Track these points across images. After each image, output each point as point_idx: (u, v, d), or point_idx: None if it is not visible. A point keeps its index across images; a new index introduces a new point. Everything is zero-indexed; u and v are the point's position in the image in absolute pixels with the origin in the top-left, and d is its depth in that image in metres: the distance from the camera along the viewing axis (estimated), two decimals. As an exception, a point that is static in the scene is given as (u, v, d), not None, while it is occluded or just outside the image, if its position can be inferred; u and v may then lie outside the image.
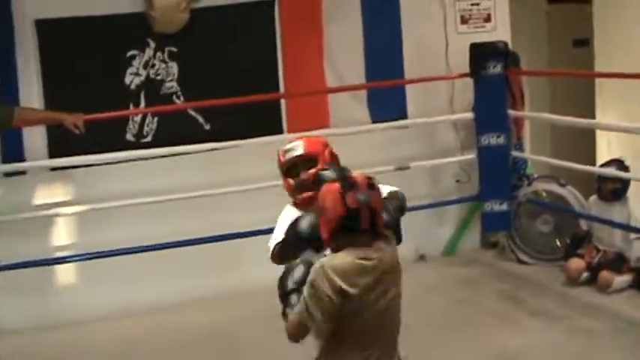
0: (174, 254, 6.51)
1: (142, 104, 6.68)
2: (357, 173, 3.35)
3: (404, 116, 7.32)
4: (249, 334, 5.91)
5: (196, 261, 6.73)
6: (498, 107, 7.12)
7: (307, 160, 4.00)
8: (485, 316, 6.16)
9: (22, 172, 6.46)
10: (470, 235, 7.81)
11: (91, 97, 6.40)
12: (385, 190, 3.72)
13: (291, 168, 4.01)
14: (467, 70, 7.14)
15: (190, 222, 6.60)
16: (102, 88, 6.52)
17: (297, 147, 4.06)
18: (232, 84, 6.75)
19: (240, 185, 6.49)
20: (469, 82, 7.20)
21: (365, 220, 3.12)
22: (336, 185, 3.19)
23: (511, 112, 7.20)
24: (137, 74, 6.63)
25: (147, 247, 6.40)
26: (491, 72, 7.03)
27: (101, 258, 6.39)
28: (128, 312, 6.50)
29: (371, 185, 3.19)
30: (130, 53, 6.61)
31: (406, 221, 7.01)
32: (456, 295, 6.70)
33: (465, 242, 7.80)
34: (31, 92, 6.38)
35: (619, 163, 6.62)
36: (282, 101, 7.08)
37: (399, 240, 3.48)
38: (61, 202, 6.57)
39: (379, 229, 3.20)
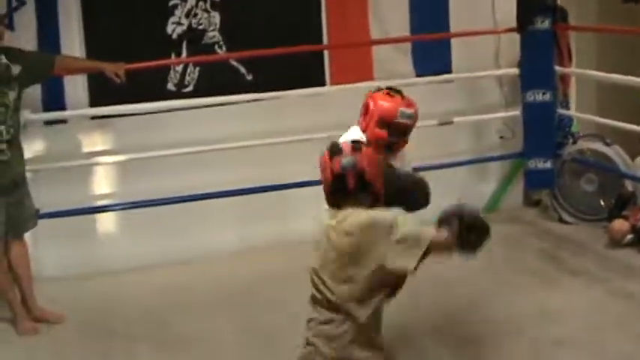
0: (214, 205, 6.52)
1: (184, 54, 6.64)
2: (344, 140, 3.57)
3: (448, 70, 7.22)
4: (288, 287, 5.91)
5: (237, 212, 6.74)
6: (545, 63, 6.96)
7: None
8: (525, 275, 6.10)
9: (63, 121, 6.46)
10: (512, 192, 7.72)
11: (133, 46, 6.37)
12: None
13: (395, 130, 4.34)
14: (514, 24, 6.99)
15: (231, 173, 6.58)
16: (143, 37, 6.48)
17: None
18: (275, 35, 6.69)
19: (282, 137, 6.46)
20: (516, 37, 7.04)
21: (350, 182, 3.33)
22: (325, 155, 3.42)
23: (558, 69, 7.06)
24: (179, 23, 6.58)
25: (187, 197, 6.41)
26: (539, 27, 6.85)
27: (141, 207, 6.42)
28: (168, 262, 6.52)
29: (355, 148, 3.39)
30: (172, 2, 6.56)
31: (448, 177, 7.10)
32: (497, 252, 6.55)
33: (508, 200, 7.72)
34: (72, 41, 6.34)
35: (667, 124, 6.49)
36: (326, 53, 6.99)
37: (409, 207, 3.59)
38: (102, 151, 6.58)
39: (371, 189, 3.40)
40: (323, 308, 3.38)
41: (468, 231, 3.41)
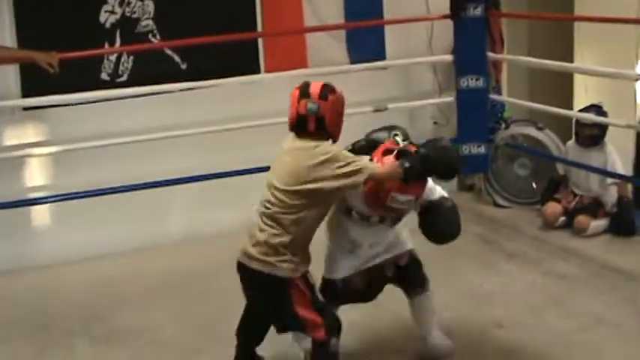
0: (147, 195, 6.46)
1: (118, 43, 6.56)
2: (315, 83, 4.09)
3: (382, 57, 7.25)
4: (224, 277, 5.91)
5: (170, 203, 6.70)
6: (478, 50, 7.05)
7: None
8: (461, 258, 6.14)
9: (-5, 112, 6.36)
10: (447, 177, 7.79)
11: (65, 36, 6.28)
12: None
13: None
14: (447, 11, 7.06)
15: (165, 163, 6.54)
16: (76, 27, 6.40)
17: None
18: (209, 23, 6.65)
19: (218, 125, 6.43)
20: (449, 23, 7.12)
21: (311, 125, 3.99)
22: (296, 92, 4.04)
23: (490, 55, 7.15)
24: (112, 12, 6.50)
25: (122, 187, 6.35)
26: (472, 14, 6.95)
27: (74, 199, 6.32)
28: (103, 255, 6.46)
29: (322, 96, 4.01)
30: (105, -10, 6.50)
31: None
32: (432, 237, 6.70)
33: (442, 185, 7.76)
34: (2, 30, 6.22)
35: (598, 109, 6.60)
36: (260, 41, 6.97)
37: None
38: (34, 142, 6.47)
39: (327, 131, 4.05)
40: None
41: (424, 161, 4.17)
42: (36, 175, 6.56)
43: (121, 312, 5.59)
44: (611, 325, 5.01)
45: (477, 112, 7.15)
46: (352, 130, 7.10)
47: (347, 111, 6.68)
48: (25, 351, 5.13)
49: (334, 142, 4.11)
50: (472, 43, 7.05)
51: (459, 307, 5.31)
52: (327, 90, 4.06)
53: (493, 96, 7.28)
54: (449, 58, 7.24)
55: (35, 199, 6.53)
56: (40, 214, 6.63)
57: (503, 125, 7.38)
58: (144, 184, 6.33)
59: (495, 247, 6.41)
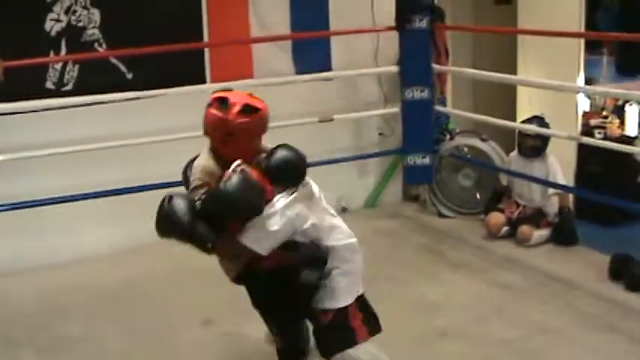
0: (93, 205, 6.42)
1: (63, 51, 6.50)
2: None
3: (328, 68, 7.29)
4: (166, 286, 5.92)
5: (116, 212, 6.65)
6: (423, 61, 7.13)
7: None
8: (405, 269, 6.22)
9: (-61, 121, 6.28)
10: (392, 188, 7.87)
11: (9, 44, 6.19)
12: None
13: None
14: (392, 23, 7.13)
15: (111, 173, 6.50)
16: (21, 34, 6.31)
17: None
18: (155, 32, 6.60)
19: (162, 135, 6.41)
20: (394, 35, 7.19)
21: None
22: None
23: (435, 67, 7.22)
24: (58, 20, 6.45)
25: (64, 197, 6.30)
26: (417, 26, 7.03)
27: (16, 209, 6.24)
28: (43, 265, 6.38)
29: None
30: (50, -2, 6.45)
31: (329, 173, 7.16)
32: (377, 247, 6.71)
33: (387, 195, 7.86)
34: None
35: (540, 120, 6.71)
36: (206, 51, 6.97)
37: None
38: (-23, 150, 6.41)
39: None
40: None
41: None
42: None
43: (64, 322, 5.54)
44: (554, 333, 5.09)
45: (421, 123, 7.23)
46: (300, 140, 7.17)
47: (293, 121, 6.84)
48: (-32, 361, 5.09)
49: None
50: (417, 55, 7.13)
51: (404, 317, 5.32)
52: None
53: (438, 107, 7.35)
54: (394, 69, 7.31)
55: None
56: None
57: (448, 136, 7.46)
58: (85, 195, 6.28)
59: (440, 257, 6.47)
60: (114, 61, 6.65)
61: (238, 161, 3.80)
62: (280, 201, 3.80)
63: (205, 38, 6.95)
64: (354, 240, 4.08)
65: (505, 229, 6.76)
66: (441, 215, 7.41)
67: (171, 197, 3.77)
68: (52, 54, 6.48)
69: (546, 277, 5.99)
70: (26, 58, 6.07)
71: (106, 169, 6.47)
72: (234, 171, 3.72)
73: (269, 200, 3.79)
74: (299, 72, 7.20)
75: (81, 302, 5.86)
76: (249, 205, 3.74)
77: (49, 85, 6.51)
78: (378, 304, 5.44)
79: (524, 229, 6.62)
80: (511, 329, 5.14)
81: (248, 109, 3.89)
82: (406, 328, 5.17)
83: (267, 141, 6.82)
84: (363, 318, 4.07)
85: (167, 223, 3.75)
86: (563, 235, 6.62)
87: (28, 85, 6.30)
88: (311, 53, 7.23)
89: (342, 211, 7.56)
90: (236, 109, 3.86)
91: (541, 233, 6.64)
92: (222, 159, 3.95)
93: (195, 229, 3.70)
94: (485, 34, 8.08)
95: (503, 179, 7.08)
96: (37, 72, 6.42)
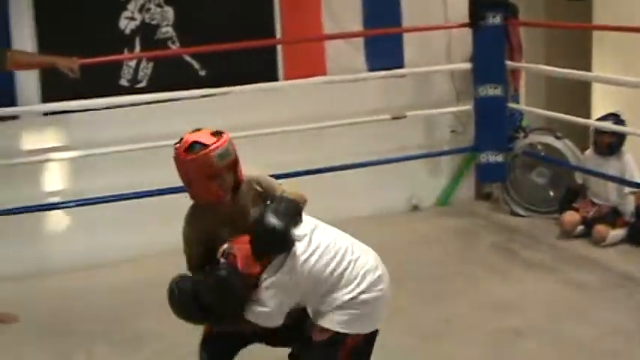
0: (166, 201, 6.45)
1: (137, 49, 6.58)
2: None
3: (401, 65, 7.24)
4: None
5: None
6: (496, 58, 7.06)
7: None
8: (478, 268, 6.16)
9: (14, 117, 6.36)
10: (464, 186, 7.80)
11: (85, 42, 6.30)
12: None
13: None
14: (466, 19, 7.06)
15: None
16: (96, 33, 6.41)
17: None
18: (228, 29, 6.68)
19: (235, 132, 6.41)
20: (467, 32, 7.13)
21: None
22: None
23: (509, 64, 7.14)
24: (132, 18, 6.52)
25: (140, 193, 6.37)
26: (491, 22, 6.96)
27: (93, 205, 6.35)
28: (118, 260, 6.46)
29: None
30: (125, -3, 6.52)
31: (401, 171, 7.15)
32: (449, 246, 6.71)
33: (459, 193, 7.79)
34: (23, 36, 6.25)
35: (615, 117, 6.59)
36: (279, 48, 6.98)
37: None
38: (54, 147, 6.47)
39: None
40: None
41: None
42: (55, 180, 6.57)
43: (139, 317, 5.59)
44: (629, 334, 4.99)
45: (495, 121, 7.15)
46: (372, 137, 7.18)
47: (365, 118, 6.83)
48: (45, 355, 5.14)
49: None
50: (491, 52, 7.05)
51: (478, 316, 5.30)
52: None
53: (511, 104, 7.26)
54: (467, 66, 7.23)
55: (53, 204, 6.54)
56: (60, 218, 6.64)
57: (522, 134, 7.37)
58: (161, 190, 6.32)
59: (513, 256, 6.38)
60: (187, 58, 6.69)
61: (225, 247, 3.63)
62: (262, 291, 3.58)
63: (278, 35, 6.97)
64: (363, 286, 3.68)
65: (580, 228, 6.65)
66: (514, 214, 7.32)
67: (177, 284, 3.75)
68: (126, 52, 6.55)
69: (622, 278, 5.88)
70: (101, 55, 6.15)
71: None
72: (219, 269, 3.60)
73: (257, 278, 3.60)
74: (371, 69, 7.17)
75: (155, 297, 5.87)
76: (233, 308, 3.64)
77: (124, 82, 6.58)
78: (452, 303, 5.49)
79: (599, 228, 6.51)
80: (586, 329, 5.05)
81: (196, 146, 3.61)
82: (480, 327, 5.15)
83: (338, 138, 6.90)
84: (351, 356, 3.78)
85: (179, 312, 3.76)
86: (639, 235, 6.50)
87: (103, 82, 6.39)
88: (383, 50, 7.19)
89: (414, 208, 7.55)
90: (183, 147, 3.65)
91: (617, 233, 6.52)
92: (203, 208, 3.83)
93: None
94: (558, 30, 7.96)
95: (578, 178, 6.97)
96: (112, 69, 6.50)
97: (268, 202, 3.69)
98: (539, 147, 7.32)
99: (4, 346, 5.31)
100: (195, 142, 3.61)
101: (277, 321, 3.61)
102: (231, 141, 3.70)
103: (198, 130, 3.73)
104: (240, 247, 3.60)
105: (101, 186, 6.39)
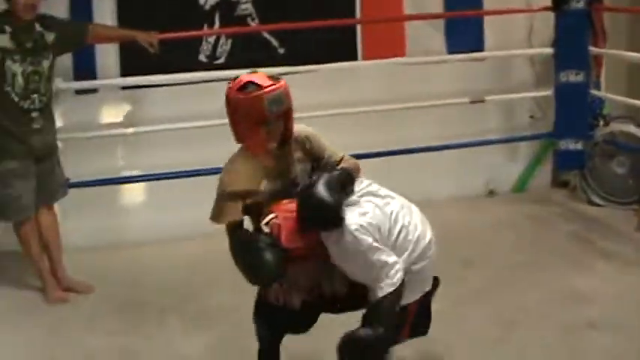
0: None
1: (216, 25, 6.58)
2: None
3: (481, 48, 7.14)
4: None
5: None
6: (580, 44, 6.90)
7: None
8: (554, 256, 6.05)
9: (94, 90, 6.42)
10: (540, 173, 7.68)
11: (165, 17, 6.33)
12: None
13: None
14: (549, 3, 6.92)
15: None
16: (176, 8, 6.43)
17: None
18: (308, 8, 6.62)
19: (313, 111, 6.41)
20: (550, 16, 6.98)
21: None
22: None
23: (592, 49, 6.99)
24: (212, -6, 6.55)
25: (216, 169, 6.36)
26: (575, 7, 6.81)
27: (169, 179, 6.41)
28: (194, 235, 6.46)
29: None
30: (205, -27, 6.52)
31: (478, 155, 7.07)
32: (525, 232, 6.62)
33: (536, 180, 7.67)
34: (104, 10, 6.30)
35: (700, 107, 6.43)
36: (358, 27, 6.93)
37: None
38: (132, 121, 6.54)
39: None
40: None
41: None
42: (131, 154, 6.63)
43: (212, 292, 5.61)
44: None
45: (575, 108, 7.00)
46: (450, 121, 7.11)
47: (445, 101, 6.76)
48: (118, 326, 5.20)
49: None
50: (574, 37, 6.90)
51: (552, 306, 5.21)
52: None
53: (593, 91, 7.11)
54: (549, 51, 7.09)
55: (130, 177, 6.61)
56: (135, 192, 6.72)
57: (602, 122, 7.22)
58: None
59: (590, 247, 6.25)
60: (266, 35, 6.68)
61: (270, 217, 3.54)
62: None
63: (358, 15, 6.92)
64: (415, 255, 3.64)
65: (660, 220, 6.52)
66: (591, 203, 7.18)
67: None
68: (205, 27, 6.55)
69: None
70: (180, 30, 6.18)
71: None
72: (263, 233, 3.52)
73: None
74: (451, 51, 7.08)
75: (228, 273, 5.89)
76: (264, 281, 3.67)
77: (202, 58, 6.59)
78: (526, 291, 5.40)
79: (680, 221, 6.37)
80: (666, 325, 4.93)
81: (250, 86, 3.52)
82: (554, 316, 5.06)
83: (416, 120, 6.83)
84: (414, 320, 3.78)
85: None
86: None
87: (181, 58, 6.41)
88: (464, 32, 7.09)
89: (489, 193, 7.46)
90: (237, 85, 3.57)
91: (699, 226, 6.38)
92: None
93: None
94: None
95: (661, 168, 6.84)
96: (191, 45, 6.52)
97: (320, 170, 3.62)
98: (620, 136, 7.16)
99: (78, 315, 5.40)
100: (250, 82, 3.51)
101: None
102: (288, 89, 3.59)
103: (255, 71, 3.65)
104: (286, 217, 3.50)
105: (176, 161, 6.41)
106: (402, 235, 3.59)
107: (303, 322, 3.91)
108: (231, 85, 3.59)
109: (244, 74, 3.61)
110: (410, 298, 3.65)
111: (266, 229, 3.51)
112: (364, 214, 3.52)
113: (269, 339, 3.98)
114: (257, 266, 3.52)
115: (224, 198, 3.70)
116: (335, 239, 3.47)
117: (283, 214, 3.51)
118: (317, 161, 3.74)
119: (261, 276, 3.57)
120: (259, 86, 3.49)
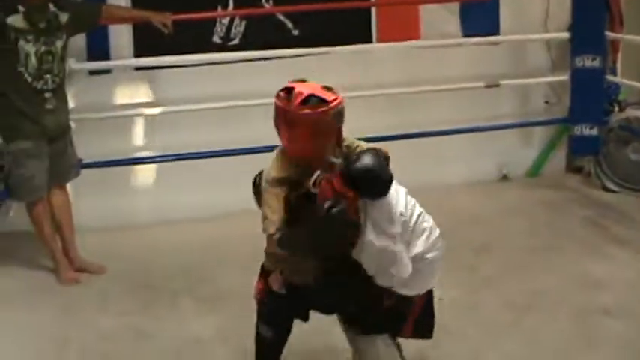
0: (255, 160, 6.44)
1: (231, 7, 6.54)
2: None
3: (496, 32, 7.09)
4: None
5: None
6: (596, 28, 6.83)
7: None
8: (568, 241, 6.02)
9: (107, 71, 6.41)
10: (555, 158, 7.64)
11: (179, -2, 6.32)
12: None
13: None
14: (565, -13, 6.89)
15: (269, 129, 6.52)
16: (190, -12, 6.42)
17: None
18: (323, -10, 6.61)
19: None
20: (566, 0, 6.94)
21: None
22: None
23: (609, 34, 6.94)
24: (226, -25, 6.51)
25: (229, 151, 6.38)
26: (592, -9, 6.77)
27: (183, 160, 6.41)
28: (207, 216, 6.50)
29: None
30: (219, -46, 6.48)
31: (492, 140, 7.03)
32: (538, 217, 6.58)
33: (550, 165, 7.64)
34: (118, -9, 6.30)
35: None
36: (373, 10, 6.89)
37: None
38: (145, 102, 6.54)
39: None
40: None
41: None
42: (144, 135, 6.63)
43: (224, 273, 5.60)
44: None
45: (591, 93, 6.95)
46: (465, 105, 7.07)
47: (459, 85, 6.73)
48: (130, 306, 5.20)
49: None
50: (590, 21, 6.83)
51: (566, 291, 5.18)
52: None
53: (609, 77, 7.06)
54: (565, 35, 7.04)
55: (143, 158, 6.61)
56: (148, 173, 6.71)
57: (618, 108, 7.17)
58: (251, 149, 6.30)
59: (604, 233, 6.22)
60: (280, 17, 6.65)
61: (318, 174, 3.43)
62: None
63: (373, -4, 6.89)
64: (429, 242, 3.60)
65: (674, 207, 6.49)
66: (605, 189, 7.14)
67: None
68: (219, 9, 6.52)
69: None
70: (194, 12, 6.15)
71: (271, 124, 6.47)
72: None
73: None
74: (466, 35, 7.03)
75: (243, 254, 5.88)
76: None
77: (216, 39, 6.57)
78: (540, 276, 5.38)
79: (695, 208, 6.34)
80: (680, 312, 4.90)
81: (313, 100, 3.40)
82: (567, 302, 5.03)
83: (430, 104, 6.81)
84: (418, 317, 3.73)
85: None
86: None
87: (195, 39, 6.39)
88: (479, 16, 7.04)
89: (503, 178, 7.44)
90: (299, 98, 3.41)
91: None
92: (293, 160, 3.55)
93: None
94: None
95: (676, 155, 6.80)
96: (205, 26, 6.50)
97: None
98: (635, 122, 7.11)
99: (91, 295, 5.39)
100: (313, 95, 3.41)
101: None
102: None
103: (302, 80, 3.57)
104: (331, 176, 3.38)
105: (189, 142, 6.42)
106: (420, 219, 3.57)
107: (303, 307, 3.87)
108: (284, 95, 3.48)
109: (295, 83, 3.52)
110: (417, 289, 3.62)
111: (313, 190, 3.40)
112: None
113: (274, 339, 3.92)
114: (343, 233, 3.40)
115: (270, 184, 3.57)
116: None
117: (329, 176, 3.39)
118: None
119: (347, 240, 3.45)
120: (324, 101, 3.42)
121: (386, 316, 3.66)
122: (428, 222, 3.62)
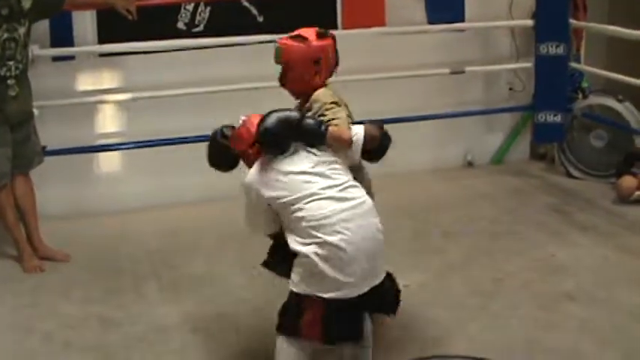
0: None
1: (195, -8, 6.52)
2: None
3: (461, 19, 7.12)
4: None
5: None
6: (560, 16, 6.87)
7: None
8: (532, 227, 6.08)
9: (71, 57, 6.35)
10: (519, 145, 7.68)
11: (143, -17, 6.27)
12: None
13: None
14: (529, -26, 6.92)
15: (238, 115, 6.49)
16: (154, -26, 6.38)
17: None
18: (288, -25, 6.59)
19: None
20: (530, -13, 6.99)
21: None
22: None
23: (572, 22, 6.97)
24: (191, -39, 6.47)
25: (193, 138, 6.32)
26: (556, -22, 6.80)
27: (147, 147, 6.38)
28: (172, 203, 6.49)
29: None
30: (184, -61, 6.44)
31: (457, 126, 7.06)
32: (503, 204, 6.62)
33: (514, 152, 7.69)
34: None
35: (680, 80, 6.43)
36: (339, -4, 6.88)
37: None
38: (109, 89, 6.49)
39: None
40: None
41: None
42: (110, 122, 6.59)
43: (190, 259, 5.62)
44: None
45: (555, 80, 7.00)
46: (430, 91, 7.09)
47: (424, 71, 6.74)
48: (94, 294, 5.17)
49: None
50: (554, 9, 6.88)
51: (529, 277, 5.22)
52: None
53: (573, 64, 7.10)
54: (529, 22, 7.08)
55: (108, 145, 6.56)
56: (112, 160, 6.67)
57: (581, 95, 7.21)
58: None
59: (568, 219, 6.27)
60: (245, 3, 6.63)
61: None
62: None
63: (338, -17, 6.87)
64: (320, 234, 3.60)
65: (637, 193, 6.50)
66: (569, 176, 7.19)
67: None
68: (184, -5, 6.49)
69: (679, 244, 5.77)
70: (159, -2, 6.12)
71: (236, 111, 6.44)
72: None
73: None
74: (431, 22, 7.04)
75: (208, 241, 5.90)
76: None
77: (181, 25, 6.54)
78: (503, 262, 5.42)
79: (656, 194, 6.39)
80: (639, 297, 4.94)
81: (322, 34, 4.16)
82: (531, 288, 5.09)
83: (395, 91, 6.82)
84: (323, 320, 3.56)
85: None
86: (698, 203, 6.37)
87: (160, 25, 6.35)
88: (444, 3, 7.07)
89: (468, 165, 7.47)
90: (313, 36, 4.10)
91: (675, 200, 6.40)
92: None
93: None
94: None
95: (639, 142, 6.82)
96: (169, 12, 6.46)
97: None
98: (599, 109, 7.17)
99: (55, 283, 5.36)
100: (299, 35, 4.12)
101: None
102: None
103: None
104: (251, 122, 3.95)
105: (154, 129, 6.40)
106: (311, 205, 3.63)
107: None
108: (291, 38, 4.20)
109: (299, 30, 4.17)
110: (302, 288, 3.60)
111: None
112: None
113: None
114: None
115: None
116: None
117: (252, 120, 3.97)
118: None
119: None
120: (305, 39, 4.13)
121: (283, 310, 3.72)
122: (319, 210, 3.62)
